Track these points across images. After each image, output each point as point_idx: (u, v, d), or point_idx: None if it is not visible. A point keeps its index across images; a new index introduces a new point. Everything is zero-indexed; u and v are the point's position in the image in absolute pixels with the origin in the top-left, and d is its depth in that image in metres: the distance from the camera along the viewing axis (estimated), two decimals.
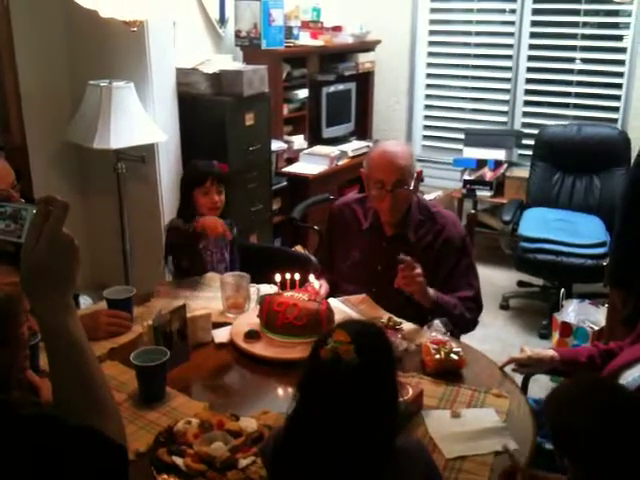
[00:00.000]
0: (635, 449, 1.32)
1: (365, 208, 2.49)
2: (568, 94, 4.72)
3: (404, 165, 2.32)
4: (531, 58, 4.78)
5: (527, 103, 4.88)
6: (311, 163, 4.35)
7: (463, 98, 5.13)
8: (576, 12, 4.59)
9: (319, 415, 1.24)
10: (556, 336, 3.47)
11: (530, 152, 4.48)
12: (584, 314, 3.43)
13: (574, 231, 3.89)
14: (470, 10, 4.97)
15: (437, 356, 1.90)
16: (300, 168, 4.32)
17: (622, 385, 1.58)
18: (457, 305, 2.30)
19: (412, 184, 2.35)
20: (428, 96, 5.23)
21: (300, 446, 1.26)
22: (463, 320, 2.30)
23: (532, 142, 4.48)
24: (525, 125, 4.89)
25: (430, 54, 5.15)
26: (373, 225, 2.45)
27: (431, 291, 2.22)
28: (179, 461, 1.48)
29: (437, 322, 2.07)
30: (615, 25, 4.61)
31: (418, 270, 2.15)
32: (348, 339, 1.24)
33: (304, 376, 1.29)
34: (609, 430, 1.34)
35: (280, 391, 1.91)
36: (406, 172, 2.32)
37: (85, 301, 3.32)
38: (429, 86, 5.21)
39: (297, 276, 2.18)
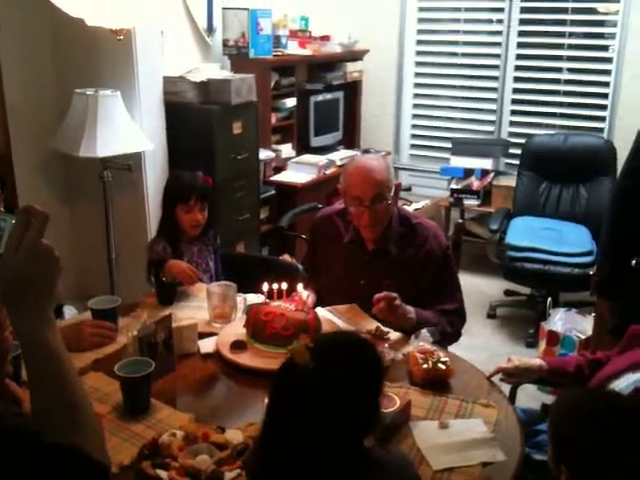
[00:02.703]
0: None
1: (346, 221, 2.43)
2: (555, 104, 4.76)
3: (381, 179, 2.27)
4: (518, 68, 4.81)
5: (514, 112, 4.91)
6: (299, 172, 4.35)
7: (450, 107, 5.15)
8: (562, 22, 4.63)
9: (279, 421, 1.25)
10: (543, 345, 3.48)
11: (517, 161, 4.50)
12: (571, 323, 3.44)
13: (561, 240, 3.91)
14: (457, 20, 5.00)
15: (424, 366, 1.89)
16: (288, 177, 4.32)
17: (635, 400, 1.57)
18: (438, 322, 2.28)
19: (390, 197, 2.31)
20: (415, 105, 5.25)
21: (268, 452, 1.26)
22: (445, 336, 2.27)
23: (519, 151, 4.49)
24: (512, 134, 4.92)
25: (418, 64, 5.17)
26: (354, 239, 2.41)
27: (412, 314, 2.19)
28: (163, 474, 1.46)
29: (424, 331, 2.06)
30: (601, 35, 4.64)
31: (397, 302, 2.13)
32: (307, 343, 1.23)
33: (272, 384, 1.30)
34: (614, 442, 1.34)
35: (266, 402, 1.89)
36: (383, 186, 2.28)
37: (70, 311, 3.29)
38: (416, 95, 5.24)
39: (284, 285, 2.17)
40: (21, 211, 0.96)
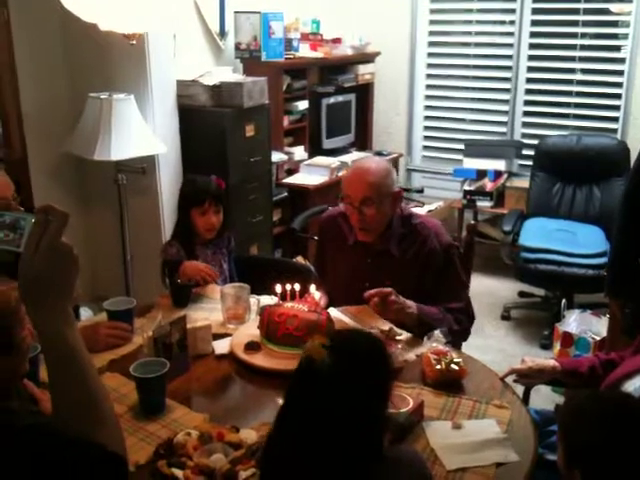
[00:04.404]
0: None
1: (349, 223, 2.42)
2: (568, 104, 4.74)
3: (374, 182, 2.26)
4: (530, 69, 4.80)
5: (527, 113, 4.89)
6: (311, 174, 4.36)
7: (463, 109, 5.14)
8: (575, 23, 4.61)
9: (296, 417, 1.25)
10: (557, 346, 3.46)
11: (530, 162, 4.49)
12: (585, 324, 3.42)
13: (575, 241, 3.89)
14: (469, 21, 5.00)
15: (438, 366, 1.89)
16: (300, 179, 4.33)
17: None
18: (444, 319, 2.26)
19: (387, 203, 2.29)
20: (428, 107, 5.25)
21: (281, 450, 1.26)
22: (452, 333, 2.24)
23: (532, 152, 4.48)
24: (525, 135, 4.90)
25: (429, 65, 5.18)
26: (358, 241, 2.40)
27: (412, 308, 2.19)
28: (179, 473, 1.47)
29: (437, 332, 2.06)
30: (614, 36, 4.63)
31: (392, 297, 2.12)
32: (324, 342, 1.24)
33: (290, 381, 1.30)
34: (625, 444, 1.34)
35: (280, 402, 1.90)
36: (376, 190, 2.26)
37: (85, 313, 3.32)
38: (429, 97, 5.23)
39: (297, 287, 2.18)
40: (40, 210, 0.98)
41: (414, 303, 2.20)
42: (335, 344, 1.25)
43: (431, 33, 5.11)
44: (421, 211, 4.76)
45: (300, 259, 3.76)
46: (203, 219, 2.61)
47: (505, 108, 4.95)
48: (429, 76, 5.20)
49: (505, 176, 4.74)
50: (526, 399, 2.15)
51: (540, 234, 4.00)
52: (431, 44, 5.13)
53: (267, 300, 2.31)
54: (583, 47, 4.64)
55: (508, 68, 4.87)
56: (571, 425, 1.44)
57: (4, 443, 0.91)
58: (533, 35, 4.74)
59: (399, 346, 2.03)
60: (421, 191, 5.01)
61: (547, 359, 2.06)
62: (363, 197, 2.26)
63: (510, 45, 4.82)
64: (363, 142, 5.11)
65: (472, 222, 4.62)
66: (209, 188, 2.64)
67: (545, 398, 2.97)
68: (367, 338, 1.37)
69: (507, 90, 4.91)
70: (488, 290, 4.37)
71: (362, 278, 2.36)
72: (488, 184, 4.70)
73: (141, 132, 3.35)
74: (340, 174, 4.43)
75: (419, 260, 2.35)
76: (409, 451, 1.42)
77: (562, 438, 1.46)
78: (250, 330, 2.15)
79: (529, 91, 4.85)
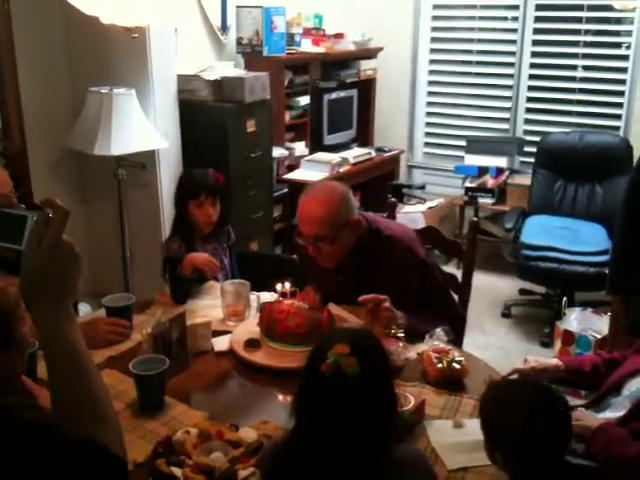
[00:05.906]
0: (561, 446, 1.44)
1: None
2: (570, 101, 4.72)
3: (325, 220, 2.16)
4: (533, 65, 4.78)
5: (529, 110, 4.88)
6: (312, 170, 4.34)
7: (465, 105, 5.12)
8: (578, 20, 4.60)
9: (322, 429, 1.23)
10: (558, 344, 3.45)
11: (532, 159, 4.48)
12: (586, 322, 3.41)
13: (576, 239, 3.88)
14: (472, 17, 4.98)
15: (439, 365, 1.88)
16: (301, 175, 4.31)
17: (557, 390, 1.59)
18: (433, 322, 2.15)
19: (346, 233, 2.19)
20: (430, 103, 5.24)
21: (301, 459, 1.25)
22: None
23: (534, 149, 4.47)
24: (527, 132, 4.89)
25: (432, 61, 5.16)
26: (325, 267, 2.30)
27: (402, 319, 2.11)
28: (178, 472, 1.46)
29: (439, 331, 2.05)
30: (617, 33, 4.61)
31: (386, 304, 2.06)
32: (348, 350, 1.21)
33: (304, 390, 1.27)
34: (541, 430, 1.41)
35: (280, 400, 1.89)
36: (329, 226, 2.16)
37: (84, 309, 3.30)
38: (431, 93, 5.22)
39: (297, 284, 2.16)
40: (43, 203, 0.97)
41: (404, 315, 2.13)
42: (358, 351, 1.22)
43: (433, 29, 5.09)
44: (422, 208, 4.76)
45: None
46: (200, 211, 2.60)
47: (507, 105, 4.93)
48: (431, 72, 5.18)
49: (507, 173, 4.73)
50: None
51: (542, 231, 3.99)
52: (433, 40, 5.11)
53: (267, 297, 2.30)
54: (586, 44, 4.62)
55: (510, 64, 4.85)
56: (489, 413, 1.49)
57: (4, 439, 0.90)
58: (536, 31, 4.72)
59: (400, 344, 2.02)
60: (422, 188, 5.00)
61: (550, 358, 2.05)
62: (314, 236, 2.19)
63: (513, 41, 4.80)
64: (364, 138, 5.10)
65: (473, 219, 4.61)
66: (205, 181, 2.63)
67: None
68: (374, 337, 1.36)
69: (509, 87, 4.89)
70: (489, 287, 4.36)
71: (337, 296, 2.27)
72: (490, 181, 4.68)
73: (142, 127, 3.33)
74: (341, 170, 4.43)
75: (393, 275, 2.23)
76: (413, 449, 1.42)
77: (484, 426, 1.50)
78: (250, 327, 2.13)
79: (531, 88, 4.83)
